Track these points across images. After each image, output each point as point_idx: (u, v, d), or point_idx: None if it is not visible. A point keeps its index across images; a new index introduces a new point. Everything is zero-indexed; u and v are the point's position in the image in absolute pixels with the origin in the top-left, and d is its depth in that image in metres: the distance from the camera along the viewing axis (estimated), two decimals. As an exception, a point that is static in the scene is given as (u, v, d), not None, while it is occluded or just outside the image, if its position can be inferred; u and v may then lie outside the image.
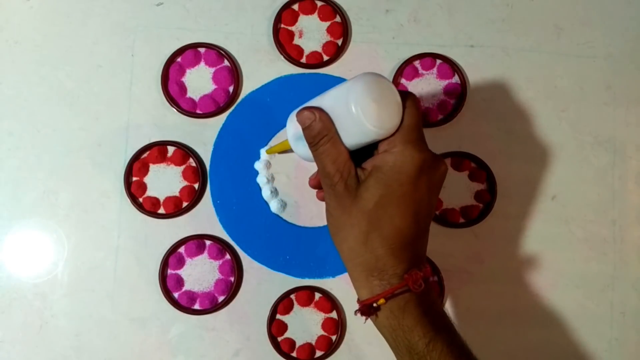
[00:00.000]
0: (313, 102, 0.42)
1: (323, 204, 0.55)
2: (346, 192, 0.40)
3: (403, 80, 0.58)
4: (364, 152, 0.42)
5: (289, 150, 0.47)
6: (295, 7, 0.58)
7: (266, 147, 0.56)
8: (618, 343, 0.57)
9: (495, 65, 0.58)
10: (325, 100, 0.41)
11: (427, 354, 0.38)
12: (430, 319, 0.40)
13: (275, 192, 0.56)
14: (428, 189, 0.41)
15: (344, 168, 0.40)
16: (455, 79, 0.58)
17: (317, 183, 0.48)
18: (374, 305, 0.40)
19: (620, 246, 0.58)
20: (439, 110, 0.58)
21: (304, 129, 0.41)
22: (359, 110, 0.38)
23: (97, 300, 0.54)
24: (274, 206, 0.56)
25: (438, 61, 0.58)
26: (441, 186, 0.42)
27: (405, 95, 0.40)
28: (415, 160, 0.39)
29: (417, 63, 0.58)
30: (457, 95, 0.57)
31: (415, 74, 0.58)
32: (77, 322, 0.54)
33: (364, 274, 0.40)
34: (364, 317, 0.41)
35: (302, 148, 0.44)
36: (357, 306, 0.40)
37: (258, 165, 0.56)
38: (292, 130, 0.44)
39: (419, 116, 0.40)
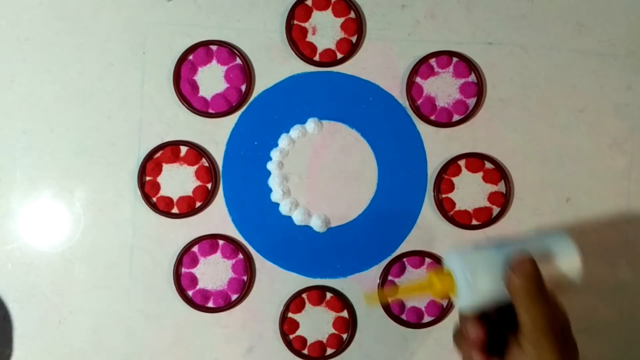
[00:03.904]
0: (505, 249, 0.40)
1: (334, 202, 0.56)
2: None
3: (418, 79, 0.56)
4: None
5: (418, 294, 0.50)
6: (309, 2, 0.56)
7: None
8: (628, 346, 0.57)
9: (513, 64, 0.57)
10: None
11: None
12: None
13: (287, 192, 0.56)
14: None
15: None
16: (472, 77, 0.57)
17: (481, 346, 0.40)
18: None
19: (634, 248, 0.57)
20: (454, 110, 0.57)
21: (520, 271, 0.39)
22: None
23: (114, 297, 0.55)
24: (285, 207, 0.56)
25: (454, 59, 0.57)
26: None
27: None
28: None
29: (433, 61, 0.57)
30: (473, 94, 0.56)
31: (431, 72, 0.56)
32: (94, 318, 0.55)
33: None
34: None
35: (476, 293, 0.39)
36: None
37: (270, 166, 0.56)
38: (481, 275, 0.39)
39: None
